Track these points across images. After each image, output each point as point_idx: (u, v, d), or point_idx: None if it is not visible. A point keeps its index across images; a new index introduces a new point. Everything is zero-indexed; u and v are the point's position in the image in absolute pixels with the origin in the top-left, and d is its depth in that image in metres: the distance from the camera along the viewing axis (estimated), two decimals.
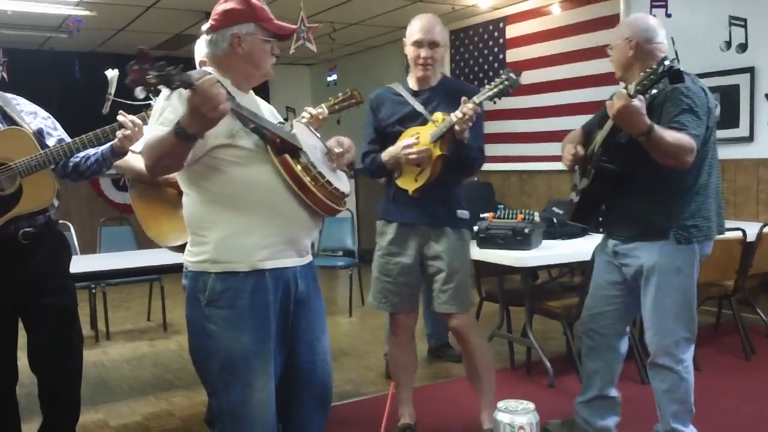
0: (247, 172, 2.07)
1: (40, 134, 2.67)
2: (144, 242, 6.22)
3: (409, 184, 3.01)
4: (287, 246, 2.15)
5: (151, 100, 2.42)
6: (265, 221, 2.09)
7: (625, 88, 2.45)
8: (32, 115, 2.73)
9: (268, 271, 2.11)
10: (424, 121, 3.01)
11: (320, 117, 3.11)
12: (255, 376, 2.11)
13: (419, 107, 3.03)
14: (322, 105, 3.15)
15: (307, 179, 2.08)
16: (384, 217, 3.17)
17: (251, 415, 2.11)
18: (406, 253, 3.09)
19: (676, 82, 2.40)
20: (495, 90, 2.82)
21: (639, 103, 2.35)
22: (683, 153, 2.47)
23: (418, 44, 2.98)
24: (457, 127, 2.80)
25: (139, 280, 5.39)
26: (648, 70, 2.37)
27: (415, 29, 2.99)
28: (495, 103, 2.88)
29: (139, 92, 1.79)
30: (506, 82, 2.81)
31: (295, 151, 2.10)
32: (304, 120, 2.98)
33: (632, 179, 2.67)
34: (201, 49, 2.98)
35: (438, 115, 2.94)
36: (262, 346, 2.12)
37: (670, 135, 2.44)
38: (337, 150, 2.27)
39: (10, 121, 2.64)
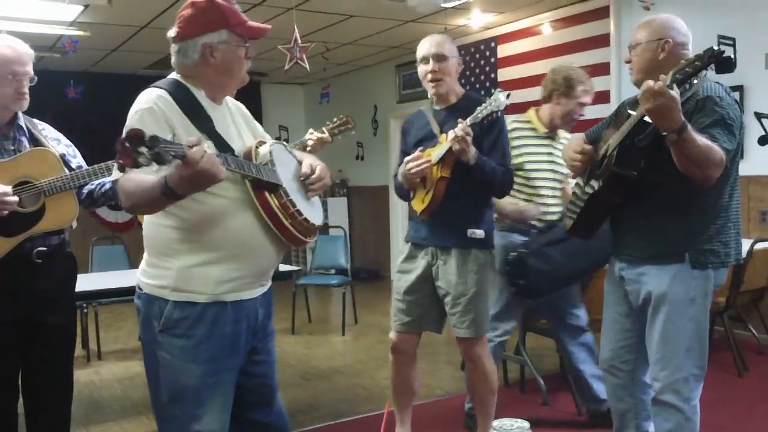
0: (222, 203, 1.96)
1: (62, 159, 2.71)
2: (137, 261, 6.21)
3: (418, 205, 3.01)
4: (253, 278, 2.08)
5: None
6: (232, 255, 1.99)
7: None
8: (56, 141, 2.79)
9: (230, 303, 2.02)
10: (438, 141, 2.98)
11: (323, 140, 3.06)
12: (203, 410, 1.99)
13: (435, 127, 3.00)
14: (324, 129, 3.13)
15: (284, 218, 2.01)
16: (406, 237, 3.19)
17: None
18: (414, 272, 3.05)
19: (723, 72, 2.13)
20: (483, 112, 2.81)
21: (675, 94, 2.09)
22: (711, 164, 2.20)
23: (424, 61, 2.96)
24: (453, 148, 2.77)
25: (131, 299, 5.31)
26: (690, 57, 2.10)
27: (420, 48, 2.99)
28: (485, 123, 2.86)
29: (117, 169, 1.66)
30: (492, 104, 2.79)
31: (275, 187, 2.01)
32: (310, 142, 2.99)
33: (648, 190, 2.41)
34: None
35: (444, 137, 2.92)
36: (216, 378, 2.01)
37: (702, 140, 2.17)
38: (311, 176, 2.16)
39: (37, 143, 2.70)
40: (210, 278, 1.98)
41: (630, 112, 2.38)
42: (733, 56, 5.19)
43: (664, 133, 2.15)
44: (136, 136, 1.57)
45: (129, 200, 1.90)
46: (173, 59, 2.05)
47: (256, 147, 2.07)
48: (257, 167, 1.98)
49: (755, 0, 5.09)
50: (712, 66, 2.08)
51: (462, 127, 2.75)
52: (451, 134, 2.78)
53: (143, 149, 1.57)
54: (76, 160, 2.81)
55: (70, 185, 2.60)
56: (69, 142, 2.85)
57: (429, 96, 3.08)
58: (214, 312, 1.99)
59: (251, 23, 2.03)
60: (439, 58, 2.94)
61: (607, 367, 2.71)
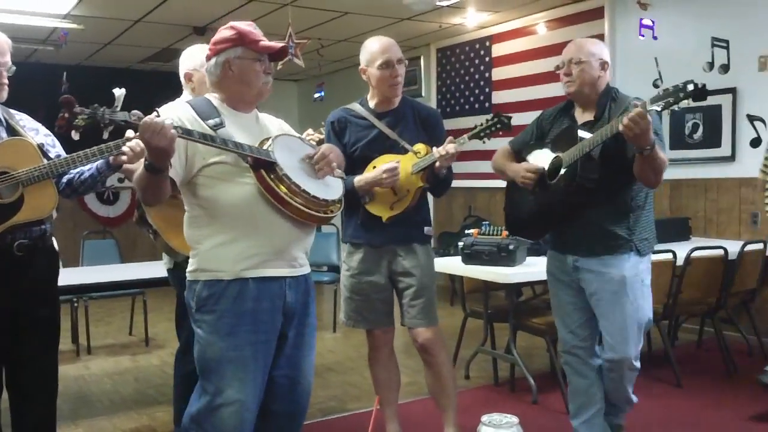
0: (231, 187, 2.16)
1: (40, 149, 2.68)
2: (127, 256, 6.19)
3: (382, 211, 3.01)
4: (274, 256, 2.21)
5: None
6: (248, 233, 2.17)
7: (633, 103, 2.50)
8: (34, 131, 2.76)
9: (252, 279, 2.17)
10: (393, 145, 3.01)
11: (323, 141, 3.10)
12: (224, 383, 2.14)
13: (387, 131, 3.02)
14: (321, 129, 3.19)
15: (282, 191, 2.15)
16: (351, 240, 3.13)
17: (215, 425, 2.13)
18: (377, 272, 3.08)
19: (699, 101, 2.44)
20: (486, 129, 2.97)
21: (651, 120, 2.43)
22: (662, 172, 2.59)
23: (388, 64, 2.97)
24: (437, 164, 2.87)
25: (121, 293, 5.33)
26: (671, 87, 2.41)
27: (379, 50, 2.99)
28: (484, 142, 3.02)
29: (74, 135, 1.92)
30: (498, 125, 2.95)
31: (269, 165, 2.17)
32: (312, 143, 3.05)
33: (598, 197, 2.72)
34: (185, 62, 3.03)
35: (420, 146, 2.97)
36: (236, 353, 2.15)
37: (662, 153, 2.54)
38: (315, 156, 2.31)
39: (14, 134, 2.66)
40: (230, 256, 2.17)
41: (582, 134, 2.68)
42: (726, 59, 5.21)
43: (640, 152, 2.49)
44: (67, 102, 1.88)
45: (138, 189, 2.16)
46: (207, 78, 2.34)
47: (265, 139, 2.26)
48: (240, 145, 2.15)
49: (749, 3, 5.11)
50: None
51: (455, 147, 2.83)
52: (447, 148, 2.83)
53: (81, 114, 1.88)
54: (55, 149, 2.77)
55: (48, 174, 2.56)
56: (48, 132, 2.80)
57: (372, 97, 3.11)
58: (236, 288, 2.16)
59: (265, 42, 2.28)
60: (401, 61, 3.02)
61: (569, 348, 2.97)
